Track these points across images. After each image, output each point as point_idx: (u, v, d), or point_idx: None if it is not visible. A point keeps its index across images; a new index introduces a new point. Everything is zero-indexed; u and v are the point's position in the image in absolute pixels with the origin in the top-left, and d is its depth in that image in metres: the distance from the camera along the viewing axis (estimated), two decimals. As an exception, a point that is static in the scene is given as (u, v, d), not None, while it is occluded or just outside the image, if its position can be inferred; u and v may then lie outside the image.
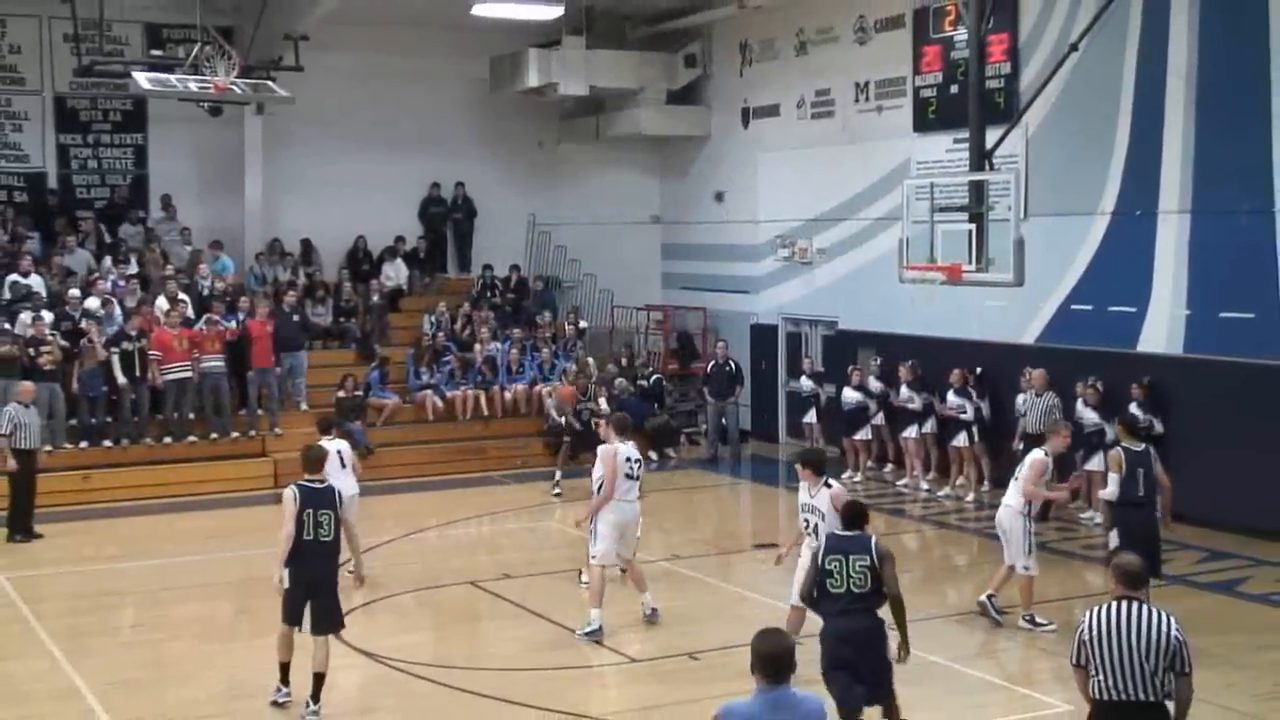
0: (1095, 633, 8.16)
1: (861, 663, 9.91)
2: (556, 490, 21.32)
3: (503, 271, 27.74)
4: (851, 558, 10.12)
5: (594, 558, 14.07)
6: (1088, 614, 8.20)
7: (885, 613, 10.27)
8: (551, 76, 26.12)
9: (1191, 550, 17.43)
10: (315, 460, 11.96)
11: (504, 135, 28.09)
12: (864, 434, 22.53)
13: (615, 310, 28.38)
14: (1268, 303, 18.10)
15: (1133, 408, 18.80)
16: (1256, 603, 15.37)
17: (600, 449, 14.22)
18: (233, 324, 22.89)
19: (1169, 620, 8.10)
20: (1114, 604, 8.18)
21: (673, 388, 26.83)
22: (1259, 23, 18.09)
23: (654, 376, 25.62)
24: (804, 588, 10.69)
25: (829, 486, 12.24)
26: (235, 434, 22.67)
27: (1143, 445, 14.19)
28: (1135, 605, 8.16)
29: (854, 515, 10.47)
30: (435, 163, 27.50)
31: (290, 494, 11.68)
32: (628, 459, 14.08)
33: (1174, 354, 19.24)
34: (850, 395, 22.55)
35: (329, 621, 11.73)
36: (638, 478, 14.15)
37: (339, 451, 15.53)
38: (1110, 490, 13.88)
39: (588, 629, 13.82)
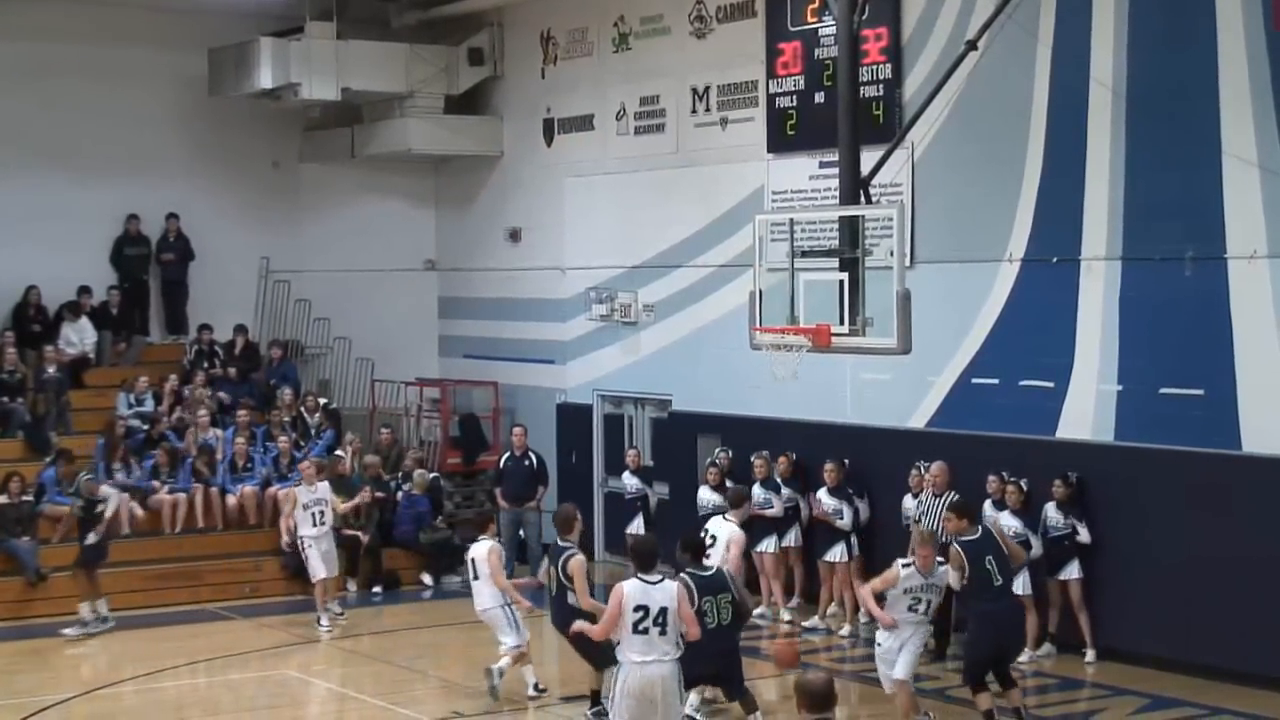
0: None
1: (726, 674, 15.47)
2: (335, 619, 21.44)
3: (225, 334, 27.37)
4: (719, 596, 14.99)
5: None
6: None
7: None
8: (291, 75, 25.98)
9: (1128, 696, 17.69)
10: None
11: (227, 153, 27.91)
12: None
13: (376, 386, 28.19)
14: (1220, 376, 18.41)
15: (1050, 510, 19.28)
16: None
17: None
18: None
19: None
20: None
21: (454, 489, 26.64)
22: (1204, 19, 18.47)
23: (430, 475, 25.39)
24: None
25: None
26: None
27: (979, 529, 16.42)
28: None
29: (696, 549, 15.69)
30: (134, 190, 27.12)
31: None
32: (639, 607, 13.40)
33: (1102, 441, 19.54)
34: (708, 497, 22.40)
35: None
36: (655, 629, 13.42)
37: None
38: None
39: None
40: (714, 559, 16.94)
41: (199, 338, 27.19)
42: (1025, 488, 19.38)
